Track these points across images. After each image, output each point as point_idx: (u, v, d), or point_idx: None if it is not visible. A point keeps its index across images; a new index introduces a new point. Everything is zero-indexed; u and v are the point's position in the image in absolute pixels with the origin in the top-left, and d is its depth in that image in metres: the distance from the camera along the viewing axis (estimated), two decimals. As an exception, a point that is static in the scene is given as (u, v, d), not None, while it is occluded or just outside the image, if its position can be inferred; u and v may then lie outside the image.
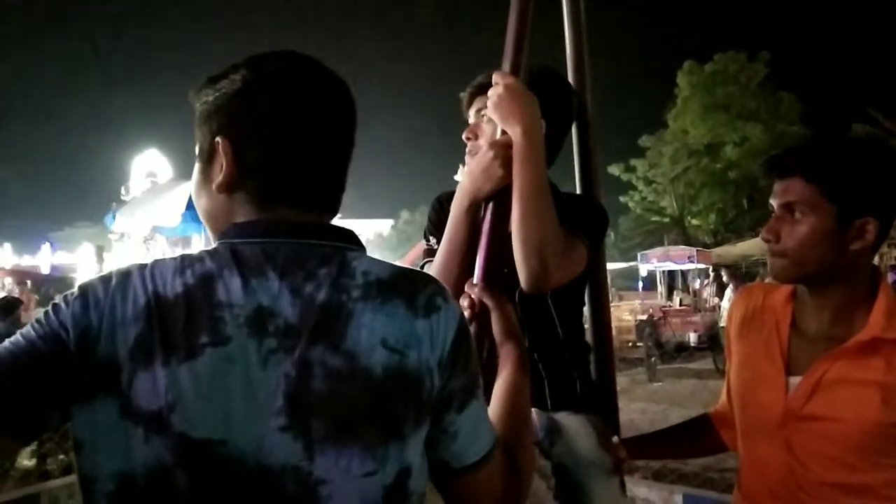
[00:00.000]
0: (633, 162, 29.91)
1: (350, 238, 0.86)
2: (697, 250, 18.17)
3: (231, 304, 0.76)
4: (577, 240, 1.46)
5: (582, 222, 1.51)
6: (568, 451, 1.49)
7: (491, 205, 1.36)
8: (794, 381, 1.31)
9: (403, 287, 0.83)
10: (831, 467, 1.25)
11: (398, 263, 0.87)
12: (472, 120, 1.60)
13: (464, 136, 1.59)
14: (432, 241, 1.54)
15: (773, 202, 1.31)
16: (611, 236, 34.52)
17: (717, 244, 22.35)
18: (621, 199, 31.37)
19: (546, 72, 1.56)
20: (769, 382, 1.34)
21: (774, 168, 1.31)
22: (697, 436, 1.66)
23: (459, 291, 1.41)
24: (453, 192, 1.46)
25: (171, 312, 0.75)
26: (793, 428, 1.29)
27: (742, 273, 16.87)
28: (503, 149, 1.34)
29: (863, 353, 1.24)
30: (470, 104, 1.61)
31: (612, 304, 1.67)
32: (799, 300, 1.38)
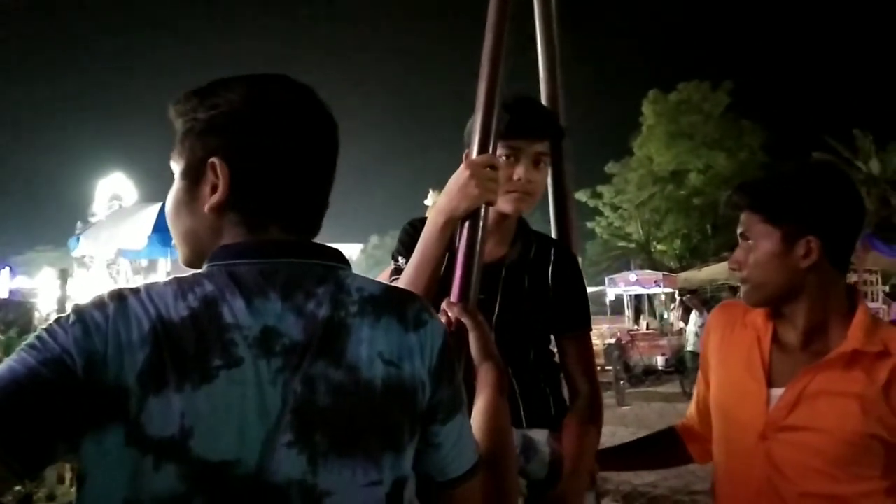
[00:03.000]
0: (600, 188, 30.31)
1: (339, 257, 0.88)
2: (664, 275, 18.43)
3: (239, 325, 0.76)
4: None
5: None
6: (544, 468, 1.50)
7: (466, 224, 1.38)
8: (776, 392, 1.35)
9: (394, 302, 0.87)
10: (812, 478, 1.28)
11: None
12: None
13: None
14: (401, 261, 1.55)
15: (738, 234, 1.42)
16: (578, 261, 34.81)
17: (682, 269, 22.65)
18: (588, 224, 31.73)
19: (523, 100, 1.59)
20: (751, 395, 1.38)
21: (728, 205, 1.44)
22: (664, 448, 1.71)
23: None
24: (426, 219, 1.48)
25: (179, 336, 0.74)
26: (774, 440, 1.32)
27: (707, 297, 17.12)
28: (481, 168, 1.37)
29: (843, 365, 1.29)
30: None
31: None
32: (779, 316, 1.43)
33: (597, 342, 13.21)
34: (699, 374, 1.65)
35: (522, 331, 1.58)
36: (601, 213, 31.10)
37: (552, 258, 1.62)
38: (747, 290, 1.40)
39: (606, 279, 18.97)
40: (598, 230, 31.91)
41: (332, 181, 0.93)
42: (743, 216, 1.40)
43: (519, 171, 1.52)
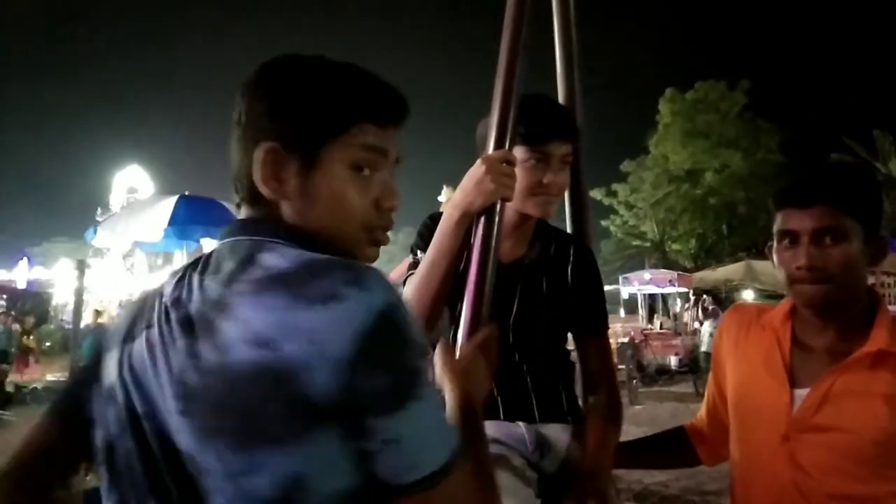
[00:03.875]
0: (615, 186, 30.23)
1: (274, 232, 0.85)
2: (678, 274, 18.33)
3: (163, 294, 0.85)
4: None
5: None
6: (559, 463, 1.51)
7: (482, 219, 1.38)
8: (800, 393, 1.33)
9: (299, 277, 0.75)
10: (839, 479, 1.26)
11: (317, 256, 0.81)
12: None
13: None
14: (419, 254, 1.55)
15: (795, 230, 1.30)
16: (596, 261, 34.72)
17: (697, 269, 22.55)
18: (602, 222, 31.65)
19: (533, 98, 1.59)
20: (772, 396, 1.36)
21: (796, 199, 1.31)
22: (672, 448, 1.70)
23: (439, 299, 1.45)
24: None
25: (142, 302, 0.89)
26: (799, 440, 1.30)
27: (722, 297, 17.02)
28: (497, 163, 1.37)
29: (869, 365, 1.27)
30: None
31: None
32: (798, 317, 1.40)
33: (610, 341, 13.18)
34: (710, 376, 1.63)
35: (538, 329, 1.59)
36: (616, 212, 31.01)
37: (571, 257, 1.62)
38: (826, 289, 1.28)
39: (620, 278, 18.91)
40: (612, 228, 31.82)
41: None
42: (815, 211, 1.27)
43: (549, 176, 1.52)
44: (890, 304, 13.78)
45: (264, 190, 0.87)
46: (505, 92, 1.42)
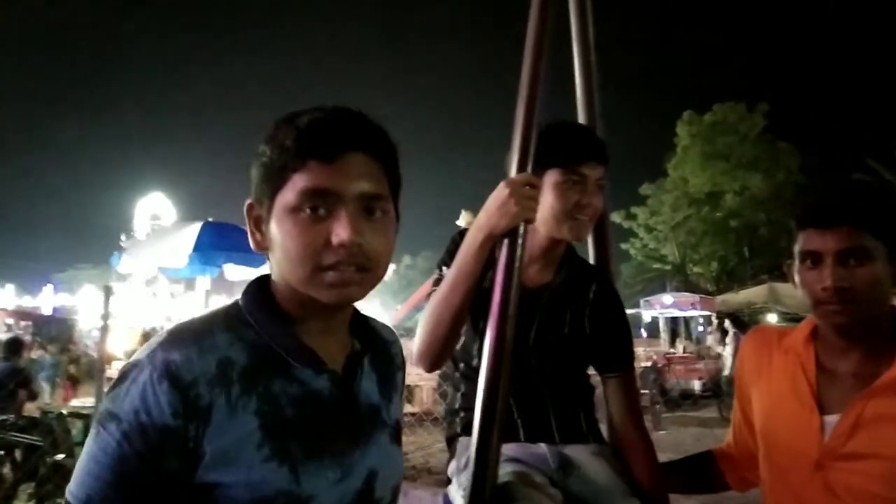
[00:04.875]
0: (634, 209, 30.08)
1: (255, 285, 0.98)
2: (701, 297, 18.15)
3: None
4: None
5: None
6: (584, 482, 1.50)
7: (505, 242, 1.40)
8: (829, 420, 1.31)
9: None
10: None
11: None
12: None
13: None
14: (444, 271, 1.57)
15: (820, 249, 1.29)
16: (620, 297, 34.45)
17: (719, 292, 22.31)
18: (623, 246, 31.44)
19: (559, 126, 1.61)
20: (802, 423, 1.34)
21: (820, 219, 1.30)
22: (702, 473, 1.67)
23: (459, 318, 1.47)
24: None
25: None
26: (832, 468, 1.28)
27: (746, 320, 16.80)
28: (519, 186, 1.39)
29: None
30: None
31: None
32: (821, 339, 1.39)
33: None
34: (735, 401, 1.62)
35: (558, 355, 1.59)
36: (635, 235, 30.82)
37: (592, 294, 1.62)
38: (854, 310, 1.27)
39: (642, 301, 18.76)
40: (632, 252, 31.59)
41: None
42: (839, 232, 1.27)
43: (585, 197, 1.53)
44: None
45: (252, 244, 0.95)
46: (527, 116, 1.45)
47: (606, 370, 1.64)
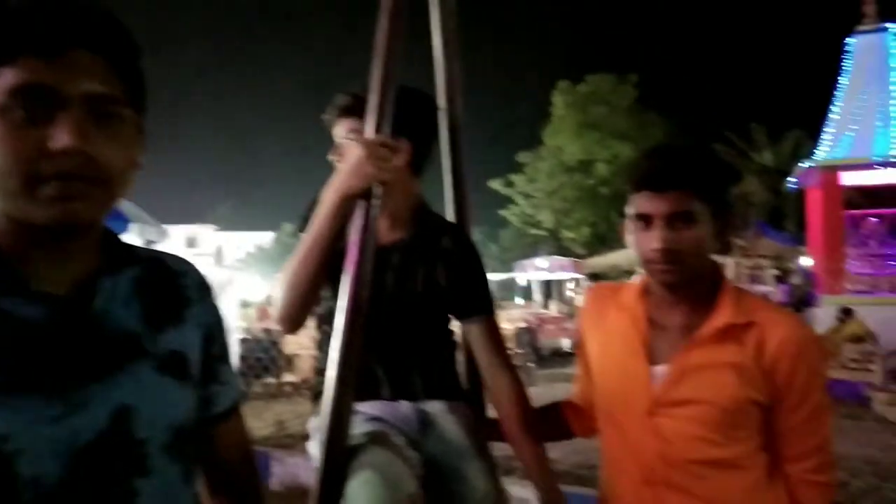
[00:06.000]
0: (512, 177, 30.82)
1: None
2: (571, 260, 18.98)
3: None
4: None
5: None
6: (440, 440, 1.53)
7: (361, 203, 1.40)
8: (658, 370, 1.41)
9: None
10: (699, 446, 1.36)
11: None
12: (338, 140, 1.63)
13: (330, 157, 1.63)
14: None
15: (651, 213, 1.36)
16: (491, 248, 35.34)
17: (589, 255, 23.36)
18: (501, 212, 32.24)
19: (405, 90, 1.55)
20: (633, 374, 1.43)
21: (654, 184, 1.36)
22: (550, 421, 1.75)
23: (316, 280, 1.47)
24: None
25: None
26: (661, 414, 1.39)
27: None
28: (374, 147, 1.39)
29: (718, 338, 1.37)
30: (334, 125, 1.64)
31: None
32: (651, 295, 1.48)
33: (508, 326, 13.49)
34: (577, 354, 1.70)
35: (415, 310, 1.61)
36: (514, 202, 31.62)
37: (445, 246, 1.63)
38: (678, 269, 1.36)
39: (515, 265, 19.35)
40: (511, 218, 32.44)
41: None
42: (673, 196, 1.34)
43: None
44: (764, 284, 14.77)
45: None
46: (384, 77, 1.44)
47: (466, 315, 1.65)
